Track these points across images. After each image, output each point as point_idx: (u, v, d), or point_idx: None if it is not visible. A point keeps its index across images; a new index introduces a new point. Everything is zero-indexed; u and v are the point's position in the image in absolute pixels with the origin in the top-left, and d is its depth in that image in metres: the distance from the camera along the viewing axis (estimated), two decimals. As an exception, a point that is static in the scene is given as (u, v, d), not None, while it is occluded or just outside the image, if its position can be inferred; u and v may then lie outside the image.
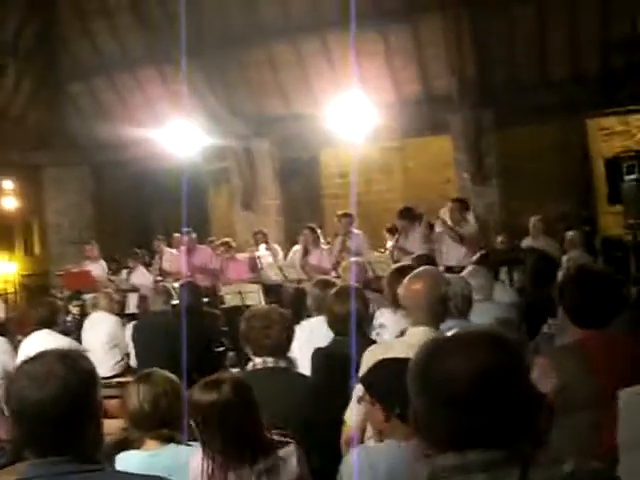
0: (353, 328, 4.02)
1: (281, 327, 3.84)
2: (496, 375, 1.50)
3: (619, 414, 2.71)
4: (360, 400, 2.99)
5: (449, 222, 9.32)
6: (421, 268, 4.02)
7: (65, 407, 1.88)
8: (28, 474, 1.92)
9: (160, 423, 3.20)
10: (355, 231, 10.25)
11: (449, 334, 1.61)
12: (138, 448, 3.28)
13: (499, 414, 1.49)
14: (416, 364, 1.60)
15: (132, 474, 2.19)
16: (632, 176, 6.85)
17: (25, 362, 1.99)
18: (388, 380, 2.89)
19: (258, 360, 3.80)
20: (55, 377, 1.89)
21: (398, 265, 5.58)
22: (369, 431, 3.17)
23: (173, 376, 3.37)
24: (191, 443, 3.14)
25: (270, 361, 3.78)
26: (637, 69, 8.13)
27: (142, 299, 9.62)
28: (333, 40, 12.29)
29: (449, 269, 7.62)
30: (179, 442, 3.20)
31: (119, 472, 2.32)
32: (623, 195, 7.18)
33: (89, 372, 1.97)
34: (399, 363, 2.99)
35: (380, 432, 2.95)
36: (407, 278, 3.70)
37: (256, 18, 12.78)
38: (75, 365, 1.93)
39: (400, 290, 3.75)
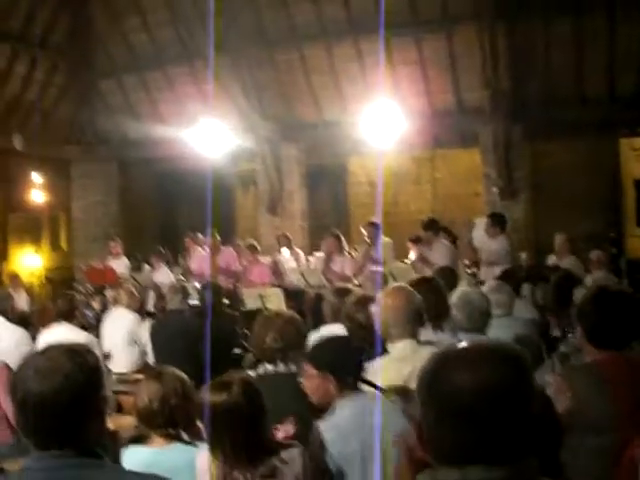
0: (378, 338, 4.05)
1: (293, 333, 3.85)
2: (502, 390, 1.50)
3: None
4: (307, 378, 3.20)
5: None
6: (393, 284, 4.11)
7: (67, 401, 1.90)
8: (30, 465, 1.95)
9: (168, 421, 3.24)
10: (382, 240, 10.23)
11: (458, 346, 1.60)
12: (146, 444, 3.33)
13: (504, 430, 1.48)
14: (424, 375, 1.59)
15: (130, 472, 2.20)
16: (662, 198, 6.75)
17: (33, 355, 2.02)
18: (338, 353, 3.21)
19: (269, 365, 3.81)
20: (59, 371, 1.92)
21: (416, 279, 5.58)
22: None
23: (184, 375, 3.40)
24: (198, 443, 3.16)
25: (281, 366, 3.79)
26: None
27: (160, 298, 9.69)
28: (367, 46, 12.30)
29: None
30: (186, 441, 3.23)
31: (118, 468, 2.33)
32: (652, 218, 7.08)
33: (94, 368, 1.99)
34: (339, 338, 3.44)
35: (321, 399, 3.23)
36: (382, 294, 3.81)
37: (290, 21, 12.85)
38: (81, 360, 1.96)
39: (376, 307, 3.84)
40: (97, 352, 5.47)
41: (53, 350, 1.99)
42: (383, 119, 11.13)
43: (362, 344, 4.39)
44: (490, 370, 1.51)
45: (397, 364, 3.47)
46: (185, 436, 3.26)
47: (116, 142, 15.01)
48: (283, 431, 3.25)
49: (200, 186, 12.93)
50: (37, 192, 15.44)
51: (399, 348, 3.61)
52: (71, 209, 16.03)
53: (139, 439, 3.44)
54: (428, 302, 4.04)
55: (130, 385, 6.89)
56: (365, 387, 3.20)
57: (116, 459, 3.44)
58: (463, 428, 1.49)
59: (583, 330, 3.41)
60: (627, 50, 11.18)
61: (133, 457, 3.27)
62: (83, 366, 1.95)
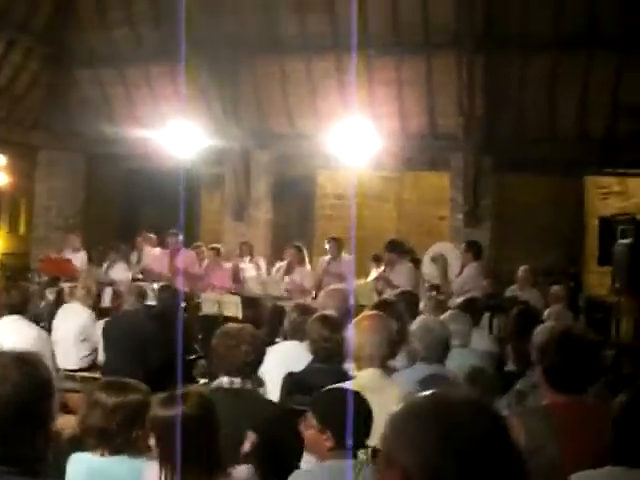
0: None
1: (251, 348, 3.78)
2: (471, 446, 1.41)
3: None
4: (306, 427, 3.00)
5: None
6: (368, 312, 4.07)
7: (12, 414, 1.80)
8: None
9: (117, 434, 3.13)
10: (343, 256, 10.23)
11: (426, 395, 1.51)
12: (92, 451, 3.21)
13: None
14: (390, 421, 1.51)
15: None
16: (625, 240, 6.82)
17: None
18: (341, 411, 2.95)
19: (225, 379, 3.74)
20: (7, 382, 1.81)
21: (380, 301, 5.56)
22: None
23: (142, 387, 3.29)
24: (145, 457, 3.07)
25: (237, 382, 3.72)
26: (640, 135, 8.20)
27: (116, 295, 9.53)
28: (347, 63, 12.29)
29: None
30: (133, 453, 3.13)
31: None
32: (614, 258, 7.15)
33: (44, 381, 1.88)
34: (349, 395, 3.08)
35: (319, 457, 3.06)
36: (355, 322, 3.76)
37: (273, 31, 12.79)
38: (31, 372, 1.85)
39: (348, 333, 3.79)
40: (47, 349, 5.33)
41: (3, 358, 1.88)
42: (356, 136, 11.13)
43: (325, 362, 4.37)
44: (453, 425, 1.43)
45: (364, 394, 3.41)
46: (133, 449, 3.15)
47: (86, 133, 14.76)
48: (249, 442, 3.16)
49: (167, 186, 12.87)
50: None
51: (366, 377, 3.56)
52: (34, 195, 15.73)
53: (80, 440, 3.34)
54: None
55: (78, 383, 6.76)
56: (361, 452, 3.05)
57: (57, 460, 3.33)
58: None
59: (542, 371, 3.39)
60: (600, 92, 11.34)
61: (78, 465, 3.17)
62: (33, 378, 1.85)
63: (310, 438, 3.06)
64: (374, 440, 2.96)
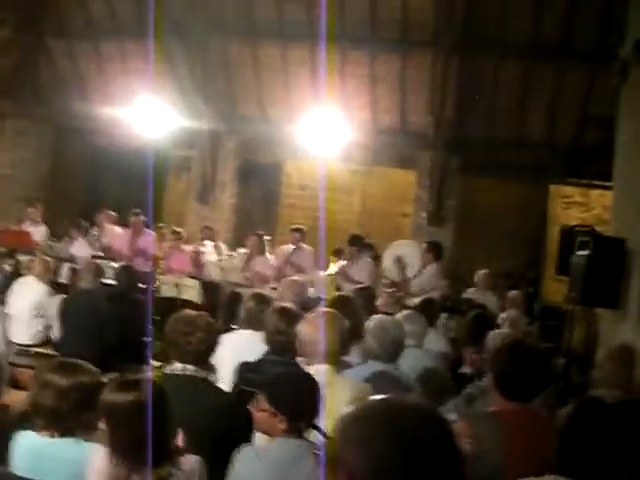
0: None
1: (205, 335, 3.79)
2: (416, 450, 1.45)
3: None
4: (257, 409, 3.04)
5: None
6: (320, 309, 4.09)
7: None
8: None
9: (67, 416, 3.11)
10: (305, 247, 10.25)
11: (377, 399, 1.55)
12: (40, 431, 3.20)
13: None
14: (341, 422, 1.53)
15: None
16: (583, 252, 6.93)
17: None
18: (295, 395, 3.05)
19: (178, 365, 3.74)
20: None
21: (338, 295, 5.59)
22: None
23: (93, 369, 3.26)
24: (92, 441, 3.06)
25: (190, 369, 3.73)
26: (607, 147, 8.32)
27: (74, 272, 9.44)
28: (321, 54, 12.26)
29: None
30: (83, 437, 3.12)
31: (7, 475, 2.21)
32: (571, 268, 7.26)
33: None
34: (301, 379, 3.18)
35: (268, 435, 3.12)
36: (307, 317, 3.80)
37: (249, 13, 12.70)
38: None
39: (300, 328, 3.82)
40: (0, 321, 5.25)
41: None
42: (325, 127, 11.14)
43: (280, 355, 4.38)
44: (406, 429, 1.47)
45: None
46: (81, 432, 3.14)
47: (56, 105, 14.55)
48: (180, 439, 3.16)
49: (133, 165, 12.74)
50: (-39, 141, 14.88)
51: (316, 372, 3.58)
52: (-3, 164, 15.47)
53: (30, 418, 3.32)
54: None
55: (30, 359, 6.71)
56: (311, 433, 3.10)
57: (4, 436, 3.31)
58: None
59: (493, 377, 3.46)
60: (569, 102, 11.48)
61: (22, 443, 3.15)
62: None
63: (262, 420, 3.10)
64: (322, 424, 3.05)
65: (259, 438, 3.29)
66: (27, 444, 3.15)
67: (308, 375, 3.22)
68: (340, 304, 4.87)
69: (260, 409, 3.07)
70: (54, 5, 13.94)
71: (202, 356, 3.84)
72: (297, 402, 3.02)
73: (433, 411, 1.54)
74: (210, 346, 3.88)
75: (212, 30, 12.84)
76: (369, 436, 1.43)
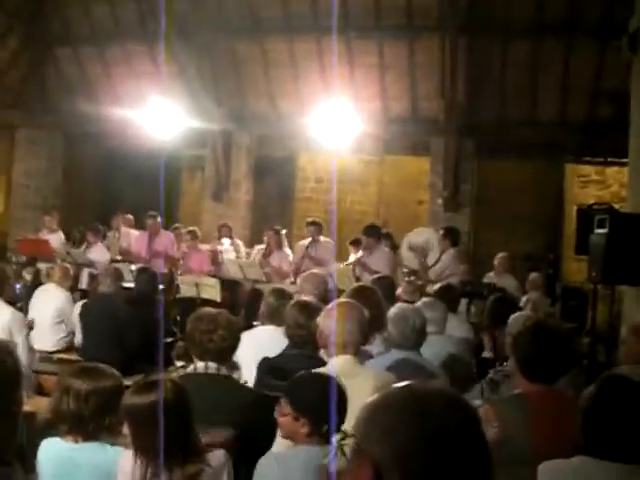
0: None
1: (227, 333, 3.79)
2: (439, 438, 1.42)
3: None
4: (280, 413, 3.00)
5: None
6: (340, 300, 4.07)
7: None
8: None
9: (87, 421, 3.12)
10: (323, 239, 10.22)
11: (400, 386, 1.52)
12: (64, 437, 3.21)
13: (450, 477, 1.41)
14: (363, 411, 1.51)
15: None
16: (602, 230, 6.87)
17: None
18: (317, 398, 2.95)
19: (200, 364, 3.75)
20: None
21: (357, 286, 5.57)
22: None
23: (115, 373, 3.27)
24: (118, 445, 3.07)
25: (212, 367, 3.73)
26: (622, 122, 8.23)
27: (92, 277, 9.51)
28: (329, 45, 12.24)
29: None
30: (105, 441, 3.13)
31: (27, 478, 2.23)
32: (590, 247, 7.20)
33: (11, 370, 1.88)
34: (324, 381, 3.05)
35: (291, 440, 3.04)
36: (327, 309, 3.77)
37: (254, 10, 12.69)
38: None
39: (320, 320, 3.79)
40: (22, 330, 5.27)
41: None
42: (337, 119, 11.11)
43: (301, 348, 4.38)
44: (430, 416, 1.44)
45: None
46: (105, 436, 3.15)
47: (65, 112, 14.61)
48: (217, 437, 3.17)
49: (146, 166, 12.78)
50: (-23, 153, 15.00)
51: (338, 364, 3.57)
52: (12, 174, 15.57)
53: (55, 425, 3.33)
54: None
55: (54, 365, 6.76)
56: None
57: (31, 442, 3.34)
58: (404, 475, 1.42)
59: (516, 361, 3.44)
60: (581, 77, 11.38)
61: (48, 450, 3.17)
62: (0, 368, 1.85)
63: (285, 424, 3.03)
64: (348, 426, 2.96)
65: (279, 442, 3.25)
66: (52, 450, 3.17)
67: (332, 377, 3.10)
68: (361, 294, 4.86)
69: (283, 413, 3.01)
70: (58, 13, 13.99)
71: (224, 354, 3.84)
72: (320, 406, 2.90)
73: (457, 396, 1.52)
74: (232, 343, 3.88)
75: (218, 29, 12.83)
76: (392, 425, 1.41)
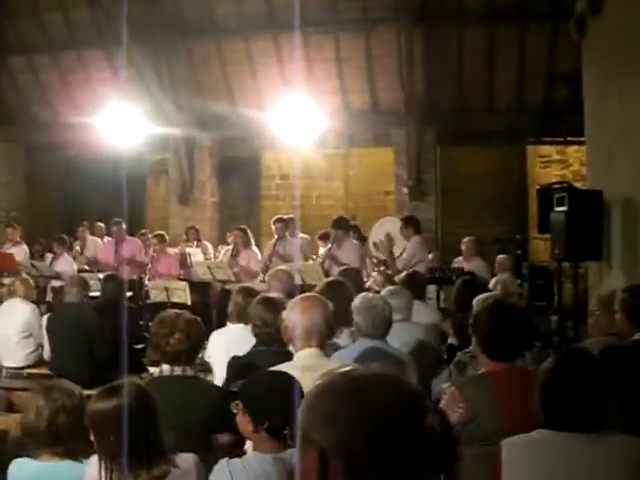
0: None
1: (184, 335, 3.78)
2: (389, 421, 1.43)
3: (502, 464, 2.75)
4: (237, 410, 3.01)
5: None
6: (304, 294, 4.10)
7: None
8: None
9: (55, 439, 3.13)
10: (288, 237, 10.24)
11: (341, 372, 1.52)
12: (35, 457, 3.21)
13: (393, 463, 1.39)
14: (306, 399, 1.52)
15: None
16: (561, 208, 6.97)
17: None
18: (261, 393, 2.95)
19: (166, 367, 3.75)
20: None
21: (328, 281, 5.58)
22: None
23: (76, 389, 3.28)
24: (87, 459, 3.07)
25: (177, 370, 3.73)
26: (578, 103, 8.38)
27: (57, 290, 9.45)
28: (285, 42, 12.24)
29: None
30: (76, 459, 3.13)
31: None
32: (552, 226, 7.31)
33: None
34: (275, 377, 3.07)
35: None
36: (291, 303, 3.79)
37: (209, 11, 12.66)
38: None
39: (284, 315, 3.81)
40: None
41: None
42: (298, 115, 11.12)
43: (269, 345, 4.39)
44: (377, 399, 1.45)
45: (300, 373, 3.42)
46: (76, 453, 3.15)
47: (23, 123, 14.47)
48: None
49: (110, 174, 12.72)
50: None
51: (303, 357, 3.59)
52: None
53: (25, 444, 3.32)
54: (337, 307, 4.05)
55: (24, 381, 6.67)
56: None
57: (2, 461, 3.32)
58: (345, 461, 1.42)
59: (478, 340, 3.49)
60: (535, 62, 11.52)
61: (21, 470, 3.16)
62: None
63: (239, 421, 3.04)
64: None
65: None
66: (24, 473, 3.15)
67: (282, 374, 3.10)
68: (332, 288, 4.91)
69: (240, 412, 3.00)
70: (10, 22, 13.82)
71: (182, 356, 3.82)
72: (261, 400, 2.90)
73: (398, 378, 1.50)
74: (191, 346, 3.85)
75: (174, 31, 12.78)
76: (334, 411, 1.40)
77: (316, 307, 3.71)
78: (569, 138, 12.38)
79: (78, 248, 11.95)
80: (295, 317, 3.68)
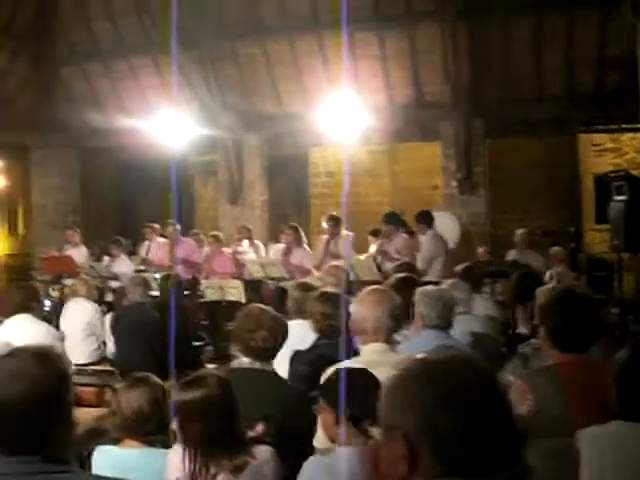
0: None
1: (269, 333, 3.75)
2: (469, 404, 1.42)
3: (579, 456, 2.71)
4: (317, 409, 3.00)
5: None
6: (370, 287, 4.05)
7: (34, 407, 1.85)
8: None
9: (145, 429, 3.21)
10: (345, 233, 10.19)
11: (416, 358, 1.53)
12: (116, 444, 3.30)
13: (482, 445, 1.39)
14: (385, 389, 1.52)
15: (98, 477, 2.15)
16: (621, 197, 6.81)
17: (1, 357, 1.96)
18: (338, 384, 2.90)
19: (245, 359, 3.74)
20: (26, 375, 1.86)
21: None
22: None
23: (160, 382, 3.36)
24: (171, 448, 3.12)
25: (257, 364, 3.72)
26: (631, 88, 8.16)
27: (119, 288, 9.58)
28: (329, 40, 12.22)
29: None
30: (157, 447, 3.21)
31: (85, 474, 2.27)
32: (610, 215, 7.14)
33: (62, 372, 1.93)
34: (351, 370, 3.05)
35: (333, 440, 2.99)
36: (358, 297, 3.75)
37: (253, 13, 12.72)
38: (49, 365, 1.90)
39: (351, 308, 3.78)
40: (60, 345, 5.38)
41: (21, 353, 1.93)
42: (344, 112, 11.10)
43: (331, 338, 4.38)
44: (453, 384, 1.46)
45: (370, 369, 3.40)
46: (160, 442, 3.21)
47: (77, 129, 14.71)
48: (254, 432, 3.19)
49: (160, 176, 12.79)
50: (-5, 178, 15.21)
51: (370, 351, 3.56)
52: (30, 195, 15.73)
53: (97, 432, 3.37)
54: (406, 302, 4.02)
55: (89, 377, 6.85)
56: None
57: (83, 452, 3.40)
58: (435, 444, 1.42)
59: (546, 332, 3.42)
60: (585, 48, 11.29)
61: (104, 457, 3.23)
62: (52, 370, 1.89)
63: (322, 422, 3.04)
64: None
65: (319, 436, 3.25)
66: (108, 460, 3.22)
67: (359, 369, 3.08)
68: (404, 284, 4.87)
69: (322, 410, 3.01)
70: (63, 33, 14.09)
71: (267, 353, 3.79)
72: (342, 393, 2.86)
73: (470, 359, 1.54)
74: (274, 344, 3.81)
75: (219, 35, 12.88)
76: (413, 395, 1.42)
77: (383, 301, 3.67)
78: (623, 125, 12.09)
79: (145, 249, 12.03)
80: (362, 311, 3.64)
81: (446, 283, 5.38)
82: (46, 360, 1.92)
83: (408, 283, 4.93)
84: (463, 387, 1.42)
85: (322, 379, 3.34)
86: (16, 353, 1.96)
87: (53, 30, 14.17)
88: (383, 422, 1.47)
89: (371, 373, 2.98)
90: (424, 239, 9.19)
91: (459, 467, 1.38)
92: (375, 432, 2.76)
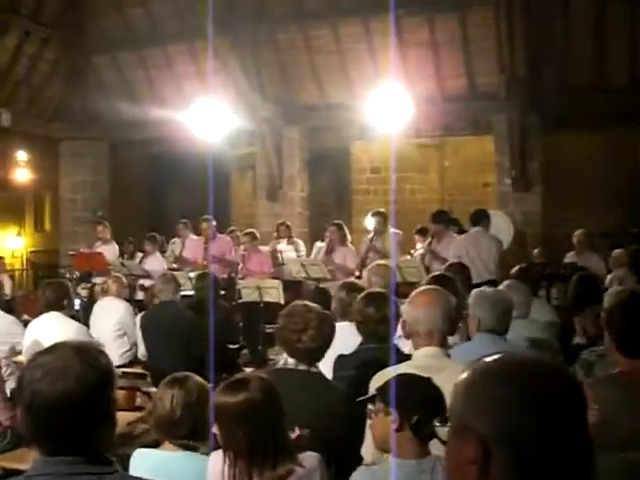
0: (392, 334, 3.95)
1: (317, 333, 3.73)
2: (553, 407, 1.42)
3: None
4: (371, 412, 2.97)
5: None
6: (424, 287, 4.01)
7: (78, 405, 1.87)
8: (38, 471, 1.91)
9: (188, 431, 3.24)
10: (392, 231, 10.13)
11: (493, 359, 1.51)
12: (154, 446, 3.36)
13: (561, 455, 1.37)
14: (459, 389, 1.51)
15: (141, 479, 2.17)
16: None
17: (40, 353, 1.98)
18: (407, 388, 2.89)
19: (291, 360, 3.74)
20: (70, 373, 1.88)
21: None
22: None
23: (204, 382, 3.39)
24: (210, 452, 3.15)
25: (303, 366, 3.72)
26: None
27: (145, 288, 9.69)
28: (375, 26, 12.20)
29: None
30: (197, 450, 3.24)
31: (130, 476, 2.31)
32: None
33: (106, 370, 1.96)
34: (410, 375, 3.03)
35: (384, 448, 2.95)
36: (410, 298, 3.71)
37: (294, -2, 12.76)
38: (93, 361, 1.92)
39: (403, 309, 3.74)
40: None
41: (62, 349, 1.95)
42: (390, 103, 11.06)
43: (376, 341, 4.36)
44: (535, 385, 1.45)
45: (420, 373, 3.38)
46: (202, 446, 3.25)
47: (108, 121, 14.89)
48: (295, 436, 3.18)
49: (195, 169, 12.93)
50: (22, 171, 15.34)
51: (423, 355, 3.53)
52: (58, 189, 15.92)
53: (129, 437, 3.41)
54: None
55: (121, 379, 6.89)
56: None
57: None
58: (513, 453, 1.41)
59: (612, 337, 3.38)
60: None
61: (144, 460, 3.28)
62: (96, 368, 1.91)
63: (375, 425, 3.00)
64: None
65: (368, 444, 3.25)
66: (148, 462, 3.26)
67: (423, 378, 3.01)
68: (440, 283, 4.84)
69: (375, 412, 2.97)
70: (94, 20, 14.26)
71: (314, 354, 3.75)
72: (407, 397, 2.84)
73: (556, 364, 1.52)
74: (322, 344, 3.77)
75: (258, 20, 12.91)
76: (494, 397, 1.40)
77: (438, 302, 3.61)
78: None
79: (174, 247, 12.12)
80: (415, 313, 3.59)
81: (504, 285, 5.33)
82: (89, 356, 1.94)
83: (443, 282, 4.88)
84: (551, 392, 1.39)
85: (373, 383, 3.33)
86: (58, 348, 1.97)
87: (84, 16, 14.35)
88: (455, 421, 1.46)
89: (434, 382, 2.94)
90: (444, 240, 9.18)
91: (534, 476, 1.38)
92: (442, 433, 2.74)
